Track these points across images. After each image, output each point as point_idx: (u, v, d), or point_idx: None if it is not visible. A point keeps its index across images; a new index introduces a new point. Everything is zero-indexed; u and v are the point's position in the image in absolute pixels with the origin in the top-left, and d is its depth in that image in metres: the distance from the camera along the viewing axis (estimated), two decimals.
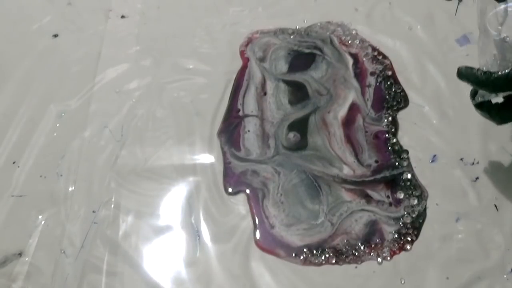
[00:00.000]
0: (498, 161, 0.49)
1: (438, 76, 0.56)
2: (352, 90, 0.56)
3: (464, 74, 0.42)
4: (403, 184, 0.48)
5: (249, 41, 0.61)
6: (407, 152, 0.50)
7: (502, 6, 0.45)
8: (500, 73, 0.39)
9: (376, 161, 0.50)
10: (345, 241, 0.45)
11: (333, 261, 0.44)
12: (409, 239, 0.45)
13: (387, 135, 0.52)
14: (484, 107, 0.42)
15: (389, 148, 0.51)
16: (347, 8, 0.64)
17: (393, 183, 0.48)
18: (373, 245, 0.45)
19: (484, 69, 0.42)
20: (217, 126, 0.54)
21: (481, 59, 0.44)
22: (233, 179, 0.50)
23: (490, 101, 0.42)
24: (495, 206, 0.46)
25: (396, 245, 0.44)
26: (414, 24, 0.61)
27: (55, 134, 0.54)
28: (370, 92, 0.55)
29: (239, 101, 0.56)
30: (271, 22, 0.63)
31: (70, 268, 0.45)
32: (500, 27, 0.44)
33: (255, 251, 0.45)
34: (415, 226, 0.45)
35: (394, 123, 0.52)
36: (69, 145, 0.53)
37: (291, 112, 0.54)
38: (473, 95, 0.43)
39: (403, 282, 0.43)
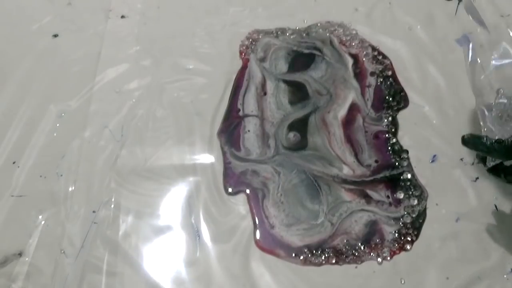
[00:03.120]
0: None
1: (438, 76, 0.56)
2: (352, 90, 0.56)
3: (471, 143, 0.41)
4: (403, 184, 0.48)
5: (249, 42, 0.61)
6: (407, 152, 0.50)
7: (492, 62, 0.46)
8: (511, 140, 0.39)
9: (376, 161, 0.50)
10: (345, 241, 0.45)
11: (333, 261, 0.44)
12: (409, 239, 0.45)
13: (387, 135, 0.52)
14: (498, 171, 0.42)
15: (389, 148, 0.51)
16: (347, 8, 0.64)
17: (393, 183, 0.48)
18: (373, 245, 0.45)
19: (489, 135, 0.42)
20: (217, 126, 0.54)
21: (482, 122, 0.45)
22: (233, 179, 0.50)
23: (502, 164, 0.42)
24: (495, 206, 0.46)
25: (396, 245, 0.44)
26: (414, 24, 0.61)
27: (55, 134, 0.54)
28: (370, 92, 0.55)
29: (239, 101, 0.56)
30: (271, 22, 0.63)
31: (70, 268, 0.45)
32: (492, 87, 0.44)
33: (255, 251, 0.45)
34: (415, 226, 0.45)
35: (394, 123, 0.52)
36: (69, 145, 0.53)
37: (291, 112, 0.55)
38: (483, 160, 0.42)
39: (403, 282, 0.43)
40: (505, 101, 0.44)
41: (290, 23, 0.63)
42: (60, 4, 0.69)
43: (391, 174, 0.49)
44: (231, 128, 0.54)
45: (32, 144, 0.53)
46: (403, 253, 0.44)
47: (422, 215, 0.46)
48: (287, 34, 0.62)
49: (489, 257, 0.43)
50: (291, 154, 0.51)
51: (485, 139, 0.40)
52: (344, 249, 0.45)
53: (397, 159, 0.50)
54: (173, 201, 0.49)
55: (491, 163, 0.41)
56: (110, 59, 0.61)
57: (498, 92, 0.46)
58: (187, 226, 0.47)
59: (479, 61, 0.48)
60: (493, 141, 0.40)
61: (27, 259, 0.46)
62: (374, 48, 0.59)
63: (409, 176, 0.48)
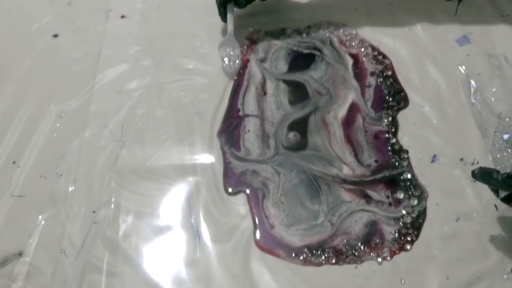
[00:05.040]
0: None
1: (438, 76, 0.56)
2: (352, 90, 0.56)
3: (482, 178, 0.41)
4: (403, 184, 0.48)
5: (250, 42, 0.61)
6: (407, 152, 0.50)
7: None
8: None
9: (376, 161, 0.50)
10: (345, 241, 0.45)
11: (333, 261, 0.44)
12: (409, 239, 0.45)
13: (387, 135, 0.52)
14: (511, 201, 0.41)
15: (389, 148, 0.51)
16: (347, 8, 0.64)
17: (393, 183, 0.48)
18: (373, 245, 0.45)
19: (498, 168, 0.42)
20: (217, 126, 0.54)
21: (492, 155, 0.46)
22: (233, 179, 0.50)
23: None
24: (495, 206, 0.46)
25: (396, 245, 0.44)
26: (414, 24, 0.61)
27: (55, 134, 0.54)
28: (370, 92, 0.55)
29: (239, 101, 0.56)
30: (271, 22, 0.63)
31: (70, 268, 0.45)
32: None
33: (255, 251, 0.45)
34: (415, 226, 0.45)
35: (394, 123, 0.52)
36: (69, 145, 0.53)
37: (291, 112, 0.54)
38: (496, 191, 0.41)
39: (403, 282, 0.43)
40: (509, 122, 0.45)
41: (290, 23, 0.63)
42: (60, 4, 0.69)
43: (391, 174, 0.49)
44: (231, 128, 0.54)
45: (32, 144, 0.53)
46: (403, 253, 0.44)
47: (422, 215, 0.46)
48: (287, 34, 0.62)
49: (489, 257, 0.43)
50: (291, 154, 0.51)
51: (496, 174, 0.40)
52: (344, 249, 0.45)
53: (397, 159, 0.50)
54: (173, 201, 0.49)
55: (503, 194, 0.41)
56: (110, 59, 0.61)
57: (500, 116, 0.47)
58: (187, 226, 0.47)
59: (480, 96, 0.50)
60: (505, 176, 0.39)
61: (27, 259, 0.46)
62: (374, 48, 0.59)
63: (409, 176, 0.48)
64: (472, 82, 0.51)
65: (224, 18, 0.60)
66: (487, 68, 0.54)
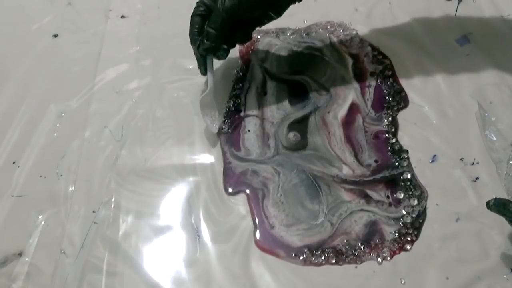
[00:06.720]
0: None
1: (438, 76, 0.56)
2: (352, 90, 0.56)
3: (497, 210, 0.41)
4: (403, 184, 0.48)
5: (250, 42, 0.61)
6: (407, 152, 0.50)
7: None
8: None
9: (376, 161, 0.50)
10: (345, 241, 0.45)
11: (333, 261, 0.44)
12: (409, 239, 0.45)
13: (387, 135, 0.52)
14: None
15: (389, 148, 0.51)
16: (347, 8, 0.64)
17: (393, 183, 0.48)
18: (373, 245, 0.45)
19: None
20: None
21: (507, 185, 0.46)
22: (233, 179, 0.50)
23: None
24: None
25: (396, 245, 0.44)
26: (414, 24, 0.61)
27: (55, 134, 0.54)
28: (370, 92, 0.55)
29: (239, 101, 0.56)
30: (271, 22, 0.63)
31: (70, 268, 0.45)
32: None
33: (255, 251, 0.45)
34: (415, 226, 0.45)
35: (394, 123, 0.52)
36: (69, 145, 0.53)
37: (291, 112, 0.54)
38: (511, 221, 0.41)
39: (403, 282, 0.43)
40: None
41: (290, 23, 0.63)
42: (60, 4, 0.69)
43: (391, 174, 0.49)
44: (231, 128, 0.54)
45: (32, 144, 0.53)
46: (403, 253, 0.44)
47: (422, 215, 0.46)
48: (287, 34, 0.62)
49: (489, 257, 0.43)
50: (291, 154, 0.51)
51: (511, 205, 0.40)
52: (344, 249, 0.45)
53: (397, 159, 0.50)
54: (173, 201, 0.49)
55: None
56: (110, 59, 0.61)
57: None
58: (187, 226, 0.47)
59: (494, 128, 0.49)
60: None
61: (27, 259, 0.46)
62: (374, 48, 0.59)
63: (409, 176, 0.48)
64: (486, 114, 0.51)
65: (204, 71, 0.52)
66: (498, 97, 0.53)
